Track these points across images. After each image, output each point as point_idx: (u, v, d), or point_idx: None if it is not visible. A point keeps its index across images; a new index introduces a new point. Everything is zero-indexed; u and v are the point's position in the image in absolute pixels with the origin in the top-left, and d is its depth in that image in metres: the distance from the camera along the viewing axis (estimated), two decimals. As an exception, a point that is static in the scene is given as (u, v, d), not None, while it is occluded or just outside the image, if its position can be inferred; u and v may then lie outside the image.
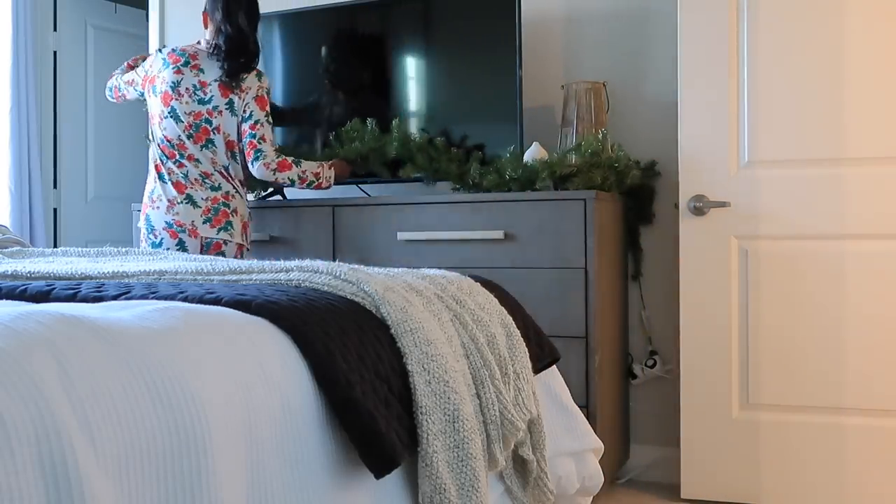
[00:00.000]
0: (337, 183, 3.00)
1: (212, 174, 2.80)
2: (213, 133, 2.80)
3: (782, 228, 2.68)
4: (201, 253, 2.75)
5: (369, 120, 3.02)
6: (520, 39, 2.92)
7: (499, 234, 2.68)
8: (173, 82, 2.82)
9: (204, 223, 2.76)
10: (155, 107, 2.87)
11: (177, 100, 2.81)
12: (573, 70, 3.17)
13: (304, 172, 2.86)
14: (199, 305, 1.17)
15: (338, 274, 1.41)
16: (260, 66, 3.43)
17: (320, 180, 2.91)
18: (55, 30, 4.52)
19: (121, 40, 4.76)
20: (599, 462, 1.92)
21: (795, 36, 2.66)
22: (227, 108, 2.80)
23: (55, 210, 4.52)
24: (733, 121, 2.72)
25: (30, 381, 0.80)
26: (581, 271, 2.61)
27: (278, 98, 3.39)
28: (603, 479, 1.91)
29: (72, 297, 1.27)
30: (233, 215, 2.80)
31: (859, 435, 2.61)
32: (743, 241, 2.72)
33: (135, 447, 0.85)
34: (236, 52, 2.81)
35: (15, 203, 4.11)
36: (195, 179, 2.79)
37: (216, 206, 2.78)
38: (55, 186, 4.53)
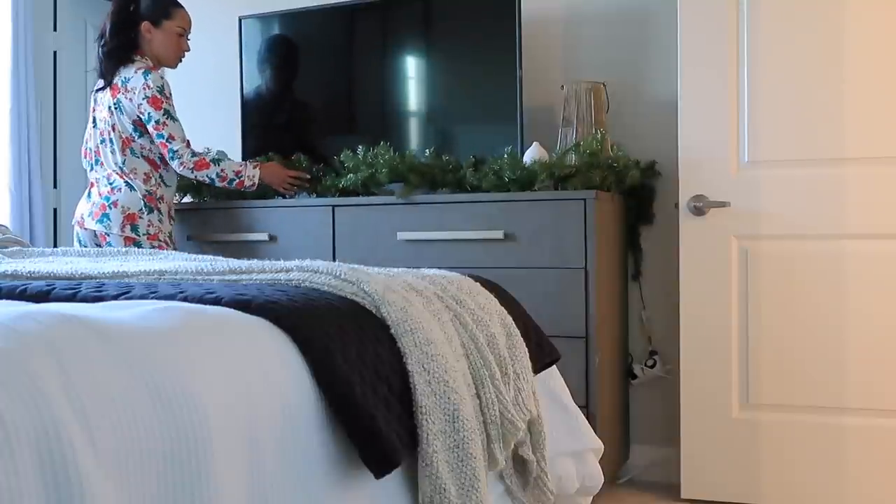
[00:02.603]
0: (270, 187, 3.03)
1: (112, 175, 2.90)
2: (112, 132, 2.89)
3: (782, 228, 2.68)
4: (93, 245, 2.89)
5: (361, 148, 2.99)
6: (520, 39, 2.91)
7: (499, 235, 2.68)
8: (95, 92, 3.01)
9: (89, 216, 2.91)
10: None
11: (95, 108, 2.99)
12: (573, 70, 3.17)
13: (222, 171, 2.91)
14: (199, 305, 1.17)
15: (338, 274, 1.41)
16: (256, 66, 3.44)
17: (241, 178, 2.94)
18: (55, 30, 4.52)
19: (121, 40, 4.75)
20: (599, 462, 1.92)
21: (796, 36, 2.66)
22: (116, 108, 2.88)
23: (55, 210, 4.52)
24: (733, 121, 2.72)
25: (30, 381, 0.80)
26: (581, 271, 2.61)
27: (278, 98, 3.39)
28: (603, 479, 1.91)
29: (72, 297, 1.27)
30: (111, 208, 2.85)
31: (859, 435, 2.61)
32: (743, 241, 2.72)
33: (135, 447, 0.85)
34: (110, 55, 2.91)
35: (15, 203, 4.11)
36: (99, 179, 2.94)
37: (99, 199, 2.89)
38: (55, 186, 4.53)
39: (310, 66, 3.37)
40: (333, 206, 2.94)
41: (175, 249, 2.97)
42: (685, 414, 2.76)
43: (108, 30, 2.92)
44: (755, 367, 2.70)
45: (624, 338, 3.06)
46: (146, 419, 0.87)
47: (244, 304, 1.19)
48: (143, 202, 2.87)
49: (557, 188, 2.73)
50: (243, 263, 1.54)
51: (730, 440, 2.72)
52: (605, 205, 2.73)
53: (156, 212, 2.89)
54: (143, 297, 1.26)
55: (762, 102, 2.69)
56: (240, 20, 3.41)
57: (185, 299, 1.22)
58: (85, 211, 2.94)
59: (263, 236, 3.03)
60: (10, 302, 1.24)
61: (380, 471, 1.14)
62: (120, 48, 2.91)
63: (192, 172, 2.88)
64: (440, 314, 1.46)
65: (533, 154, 2.79)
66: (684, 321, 2.77)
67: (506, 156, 2.78)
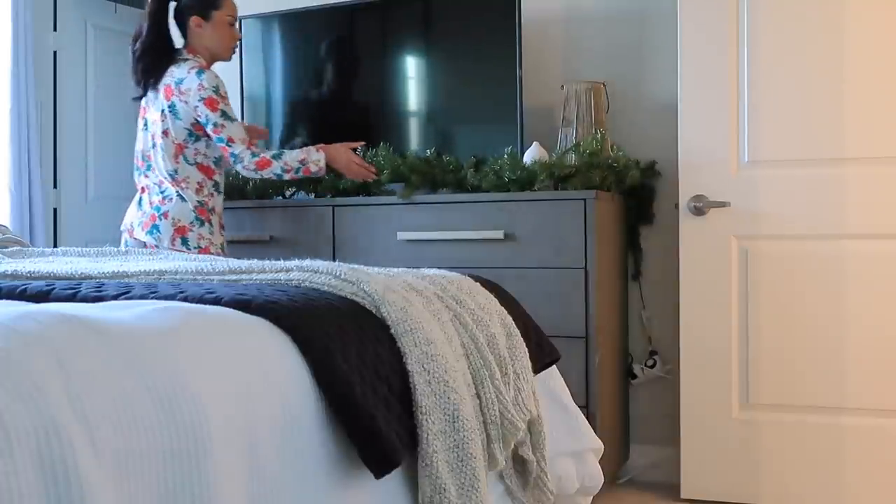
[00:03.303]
0: (334, 169, 2.84)
1: (163, 181, 2.78)
2: (164, 137, 2.75)
3: (782, 228, 2.68)
4: None
5: (360, 148, 2.94)
6: (520, 39, 2.91)
7: (499, 234, 2.68)
8: (145, 96, 2.88)
9: (139, 225, 2.80)
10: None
11: (147, 110, 2.85)
12: (573, 70, 3.17)
13: (286, 164, 2.75)
14: (199, 305, 1.17)
15: (338, 274, 1.41)
16: (257, 67, 3.44)
17: (307, 165, 2.76)
18: (55, 30, 4.52)
19: (121, 40, 4.75)
20: (599, 462, 1.92)
21: (796, 35, 2.66)
22: (170, 112, 2.73)
23: (55, 210, 4.52)
24: (733, 121, 2.72)
25: (30, 381, 0.80)
26: (581, 271, 2.61)
27: (278, 98, 3.39)
28: (603, 479, 1.91)
29: (72, 297, 1.27)
30: (161, 219, 2.74)
31: (859, 435, 2.61)
32: (743, 241, 2.72)
33: (135, 447, 0.85)
34: (145, 54, 2.79)
35: (15, 203, 4.11)
36: (150, 186, 2.81)
37: (150, 209, 2.78)
38: (55, 186, 4.53)
39: (310, 66, 3.37)
40: (333, 206, 2.94)
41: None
42: (685, 414, 2.76)
43: (145, 29, 2.77)
44: (755, 367, 2.70)
45: (624, 338, 3.06)
46: (146, 419, 0.87)
47: (244, 304, 1.19)
48: (194, 214, 2.74)
49: (557, 188, 2.73)
50: (243, 263, 1.53)
51: (729, 440, 2.72)
52: (605, 205, 2.73)
53: (207, 224, 2.76)
54: (143, 297, 1.25)
55: (762, 102, 2.69)
56: (240, 20, 3.40)
57: (185, 299, 1.22)
58: (135, 220, 2.81)
59: (264, 236, 3.03)
60: (10, 302, 1.24)
61: (380, 471, 1.14)
62: (163, 47, 2.78)
63: (257, 173, 2.74)
64: (440, 314, 1.46)
65: (533, 154, 2.79)
66: (684, 321, 2.77)
67: (506, 156, 2.78)
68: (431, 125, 3.16)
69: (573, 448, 1.84)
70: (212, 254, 2.73)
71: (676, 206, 2.80)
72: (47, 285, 1.34)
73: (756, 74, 2.70)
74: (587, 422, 1.91)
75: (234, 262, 1.55)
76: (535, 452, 1.60)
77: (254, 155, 2.72)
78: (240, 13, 3.45)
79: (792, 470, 2.67)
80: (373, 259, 2.78)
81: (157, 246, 2.73)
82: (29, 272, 1.51)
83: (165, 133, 2.75)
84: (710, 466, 2.74)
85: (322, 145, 2.83)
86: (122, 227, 2.89)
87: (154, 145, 2.79)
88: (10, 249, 1.97)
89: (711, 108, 2.73)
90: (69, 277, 1.48)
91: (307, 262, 1.49)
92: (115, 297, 1.26)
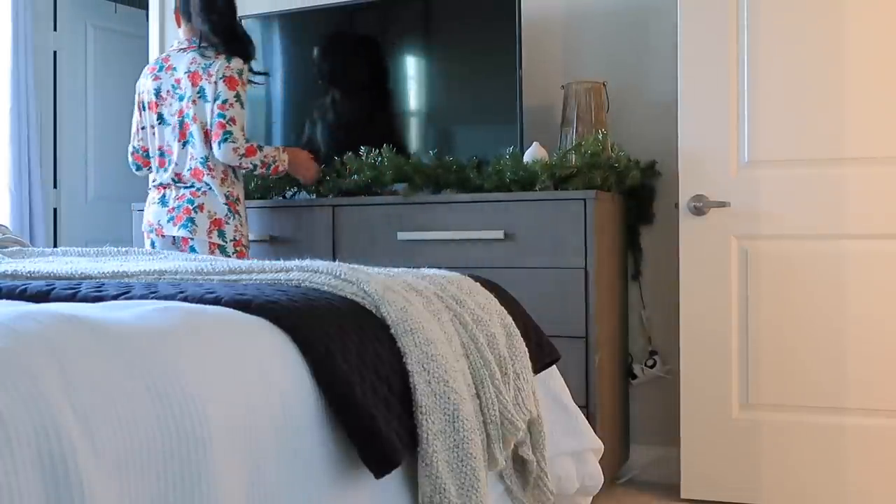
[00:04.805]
0: (296, 176, 3.00)
1: (183, 173, 2.79)
2: (192, 124, 2.77)
3: (782, 228, 2.68)
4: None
5: (363, 148, 2.97)
6: (520, 39, 2.92)
7: (499, 234, 2.68)
8: (155, 89, 2.86)
9: (168, 221, 2.79)
10: (145, 120, 2.92)
11: (161, 105, 2.85)
12: (573, 70, 3.17)
13: (265, 157, 2.80)
14: (198, 305, 1.17)
15: (338, 274, 1.41)
16: (257, 67, 3.45)
17: (276, 163, 2.84)
18: (55, 30, 4.52)
19: (121, 40, 4.76)
20: (599, 462, 1.92)
21: (795, 35, 2.66)
22: (199, 97, 2.76)
23: (55, 210, 4.52)
24: (733, 121, 2.72)
25: (30, 381, 0.80)
26: (581, 271, 2.61)
27: (278, 98, 3.39)
28: (603, 479, 1.91)
29: (72, 297, 1.27)
30: (196, 212, 2.75)
31: (859, 435, 2.61)
32: (743, 241, 2.72)
33: (135, 447, 0.85)
34: (224, 37, 2.81)
35: (15, 203, 4.11)
36: (170, 182, 2.82)
37: (181, 203, 2.78)
38: (55, 186, 4.53)
39: (310, 66, 3.37)
40: (334, 206, 2.94)
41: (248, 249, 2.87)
42: (685, 414, 2.76)
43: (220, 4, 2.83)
44: (755, 367, 2.70)
45: (624, 338, 3.06)
46: (146, 419, 0.87)
47: (244, 304, 1.19)
48: (226, 208, 2.77)
49: (557, 188, 2.73)
50: (243, 263, 1.54)
51: (730, 440, 2.72)
52: (605, 205, 2.73)
53: (237, 215, 2.80)
54: (143, 297, 1.25)
55: (762, 102, 2.69)
56: (240, 20, 3.40)
57: (184, 299, 1.22)
58: (163, 217, 2.80)
59: (263, 236, 3.03)
60: (10, 302, 1.24)
61: (380, 471, 1.14)
62: (219, 31, 2.81)
63: (241, 159, 2.74)
64: (440, 314, 1.46)
65: (533, 154, 2.79)
66: (684, 321, 2.77)
67: (507, 156, 2.78)
68: (431, 125, 3.16)
69: (573, 448, 1.84)
70: (243, 246, 2.81)
71: (676, 205, 2.80)
72: (47, 285, 1.34)
73: (756, 74, 2.70)
74: (587, 422, 1.91)
75: (234, 262, 1.55)
76: (535, 452, 1.60)
77: (246, 140, 2.77)
78: (240, 13, 3.47)
79: (792, 470, 2.67)
80: (373, 259, 2.78)
81: (191, 238, 2.75)
82: (29, 272, 1.51)
83: (194, 120, 2.76)
84: (710, 466, 2.74)
85: (285, 147, 2.97)
86: (146, 228, 2.86)
87: (176, 138, 2.80)
88: (10, 249, 1.97)
89: (711, 108, 2.73)
90: (69, 277, 1.48)
91: (307, 262, 1.49)
92: (115, 297, 1.26)
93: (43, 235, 4.25)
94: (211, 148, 2.75)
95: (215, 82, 2.73)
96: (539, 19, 3.19)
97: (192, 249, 2.75)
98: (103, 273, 1.50)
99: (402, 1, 3.23)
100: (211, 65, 2.76)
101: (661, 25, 3.06)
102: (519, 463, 1.60)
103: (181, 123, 2.80)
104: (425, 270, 1.72)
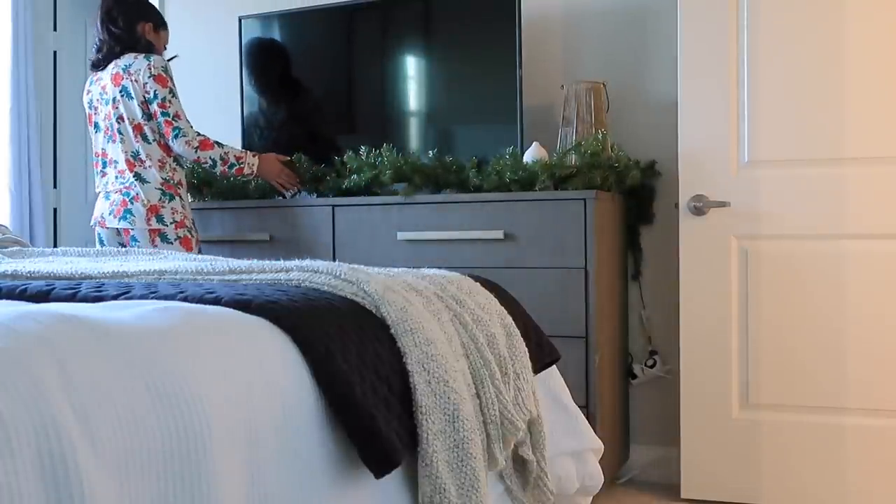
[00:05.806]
0: (265, 179, 3.05)
1: (124, 170, 2.86)
2: (120, 123, 2.86)
3: (782, 228, 2.68)
4: (116, 244, 2.89)
5: (363, 148, 2.98)
6: (520, 39, 2.91)
7: (499, 234, 2.68)
8: (89, 102, 3.00)
9: (109, 214, 2.88)
10: (90, 133, 3.04)
11: (95, 113, 2.97)
12: (573, 70, 3.17)
13: (225, 154, 2.89)
14: (198, 305, 1.17)
15: (338, 274, 1.41)
16: (256, 66, 3.45)
17: (241, 165, 2.92)
18: (55, 30, 4.52)
19: (121, 40, 4.75)
20: (599, 462, 1.92)
21: (795, 35, 2.66)
22: (122, 95, 2.85)
23: (55, 210, 4.52)
24: (733, 121, 2.72)
25: (30, 381, 0.80)
26: (581, 271, 2.61)
27: (278, 98, 3.39)
28: (603, 479, 1.91)
29: (72, 297, 1.27)
30: (132, 203, 2.83)
31: (859, 435, 2.61)
32: (743, 241, 2.72)
33: (135, 447, 0.85)
34: (107, 44, 2.91)
35: (15, 203, 4.11)
36: (112, 180, 2.90)
37: (118, 197, 2.86)
38: (55, 186, 4.53)
39: (310, 66, 3.37)
40: (333, 206, 2.94)
41: (196, 232, 2.94)
42: (685, 414, 2.76)
43: (117, 15, 2.91)
44: (755, 367, 2.70)
45: (624, 338, 3.06)
46: (146, 419, 0.87)
47: (244, 304, 1.19)
48: (161, 191, 2.83)
49: (557, 188, 2.73)
50: (243, 263, 1.53)
51: (730, 440, 2.72)
52: (605, 205, 2.73)
53: (177, 198, 2.86)
54: (143, 297, 1.25)
55: (762, 102, 2.69)
56: (240, 20, 3.41)
57: (185, 299, 1.22)
58: (105, 210, 2.90)
59: (264, 236, 3.03)
60: (10, 302, 1.24)
61: (380, 471, 1.13)
62: (122, 38, 2.90)
63: (196, 152, 2.83)
64: (440, 314, 1.46)
65: (533, 154, 2.79)
66: (684, 321, 2.77)
67: (507, 156, 2.78)
68: (431, 125, 3.16)
69: (573, 448, 1.84)
70: (187, 226, 2.87)
71: (676, 205, 2.80)
72: (47, 285, 1.34)
73: (756, 74, 2.70)
74: (587, 422, 1.91)
75: (234, 262, 1.55)
76: (535, 452, 1.60)
77: (198, 133, 2.86)
78: (240, 13, 3.47)
79: (792, 470, 2.67)
80: (373, 259, 2.78)
81: (131, 229, 2.83)
82: (29, 272, 1.51)
83: (121, 119, 2.86)
84: (710, 466, 2.74)
85: (259, 154, 3.03)
86: (93, 222, 2.98)
87: (110, 139, 2.90)
88: (10, 249, 1.98)
89: (711, 108, 2.73)
90: (69, 277, 1.48)
91: (307, 262, 1.49)
92: (115, 297, 1.26)
93: (43, 235, 4.24)
94: (143, 140, 2.85)
95: (144, 83, 2.81)
96: (539, 19, 3.19)
97: (134, 239, 2.84)
98: (103, 273, 1.50)
99: (402, 1, 3.23)
100: (130, 64, 2.85)
101: (660, 25, 3.06)
102: (519, 463, 1.60)
103: (111, 125, 2.90)
104: (425, 270, 1.72)
